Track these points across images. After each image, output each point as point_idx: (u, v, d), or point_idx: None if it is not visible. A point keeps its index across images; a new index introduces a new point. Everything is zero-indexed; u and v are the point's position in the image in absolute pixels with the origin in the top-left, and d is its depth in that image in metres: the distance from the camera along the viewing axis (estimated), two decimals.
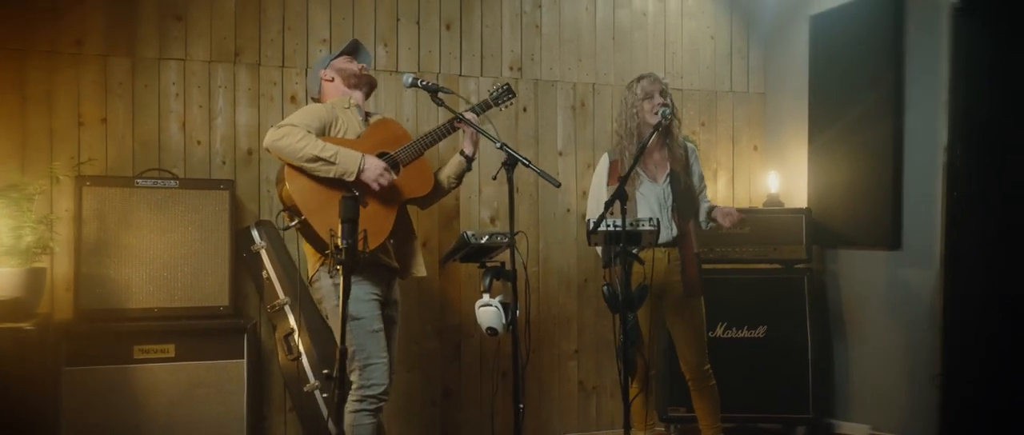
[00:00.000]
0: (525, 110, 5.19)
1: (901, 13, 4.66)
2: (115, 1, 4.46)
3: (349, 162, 3.39)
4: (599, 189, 4.19)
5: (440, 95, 3.52)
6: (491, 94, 3.94)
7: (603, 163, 4.24)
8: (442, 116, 4.97)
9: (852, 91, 4.93)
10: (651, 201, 4.05)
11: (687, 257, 4.06)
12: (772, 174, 5.38)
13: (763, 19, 5.66)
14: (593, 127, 5.34)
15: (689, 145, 4.25)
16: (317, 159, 3.35)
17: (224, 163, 4.62)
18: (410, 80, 3.55)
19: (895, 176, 4.67)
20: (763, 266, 5.06)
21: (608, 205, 3.50)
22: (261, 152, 4.68)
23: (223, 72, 4.64)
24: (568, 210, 5.25)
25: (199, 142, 4.59)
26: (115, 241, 4.15)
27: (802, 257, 4.99)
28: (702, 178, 4.25)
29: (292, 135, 3.35)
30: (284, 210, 3.46)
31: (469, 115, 3.68)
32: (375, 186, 3.44)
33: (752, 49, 5.70)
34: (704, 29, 5.61)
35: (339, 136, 3.56)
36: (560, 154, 5.27)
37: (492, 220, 5.12)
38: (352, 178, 3.40)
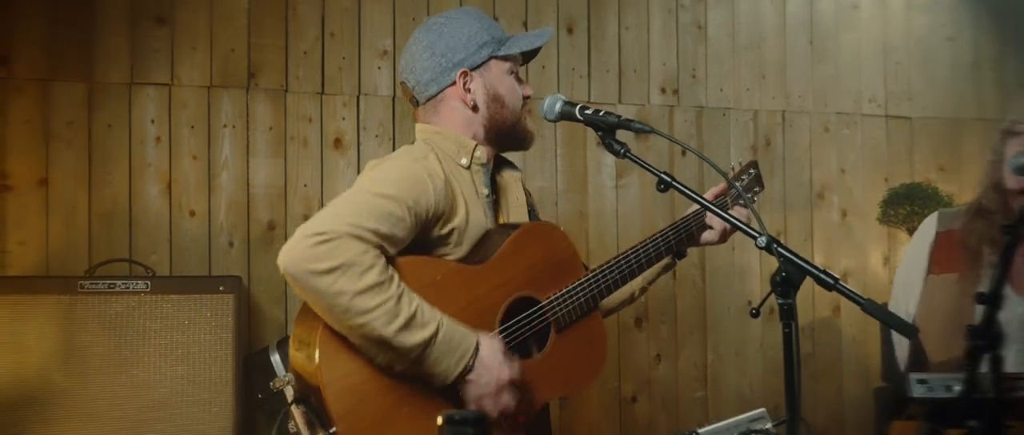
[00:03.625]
0: (684, 154, 3.45)
1: None
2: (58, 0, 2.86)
3: (448, 356, 1.63)
4: (908, 283, 2.32)
5: (617, 136, 1.78)
6: (739, 181, 2.17)
7: (925, 232, 2.35)
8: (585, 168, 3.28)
9: None
10: (1013, 329, 2.17)
11: None
12: None
13: None
14: (783, 175, 3.57)
15: None
16: (387, 346, 1.60)
17: (232, 245, 2.96)
18: (558, 107, 1.83)
19: None
20: None
21: (977, 354, 1.70)
22: (289, 226, 3.02)
23: (231, 103, 3.00)
24: (749, 302, 3.47)
25: (193, 213, 2.94)
26: (46, 385, 2.50)
27: None
28: None
29: (352, 271, 1.55)
30: (296, 403, 1.73)
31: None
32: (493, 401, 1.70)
33: (1009, 57, 3.87)
34: (939, 28, 3.81)
35: (447, 248, 1.78)
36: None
37: (638, 324, 3.36)
38: (448, 381, 1.65)
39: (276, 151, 3.03)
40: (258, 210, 3.00)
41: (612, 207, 3.36)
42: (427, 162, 1.76)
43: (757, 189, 2.22)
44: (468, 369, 1.63)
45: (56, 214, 2.83)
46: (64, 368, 2.52)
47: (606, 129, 1.78)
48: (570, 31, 3.35)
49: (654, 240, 1.96)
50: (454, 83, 1.84)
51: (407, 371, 1.62)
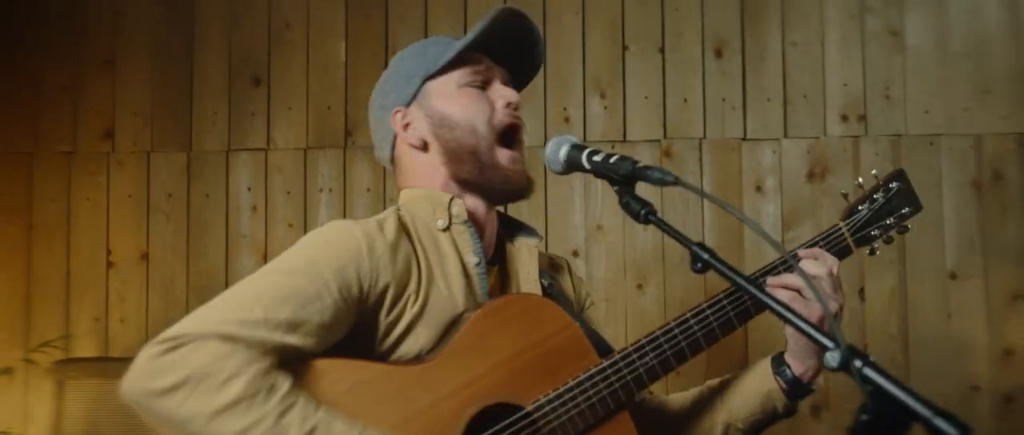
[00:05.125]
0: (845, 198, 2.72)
1: None
2: (161, 66, 2.79)
3: None
4: None
5: (636, 187, 1.20)
6: (870, 202, 1.50)
7: None
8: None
9: None
10: None
11: None
12: None
13: None
14: (1020, 217, 2.72)
15: None
16: None
17: None
18: (564, 154, 1.28)
19: None
20: None
21: None
22: None
23: (327, 164, 2.77)
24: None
25: None
26: None
27: None
28: None
29: (205, 385, 1.10)
30: None
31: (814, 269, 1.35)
32: None
33: None
34: None
35: (394, 338, 1.30)
36: (951, 277, 2.70)
37: (815, 414, 2.68)
38: None
39: (375, 213, 2.75)
40: None
41: None
42: (380, 225, 1.30)
43: (906, 211, 1.48)
44: None
45: (155, 290, 2.74)
46: None
47: (622, 181, 1.20)
48: (719, 54, 2.78)
49: (714, 302, 1.35)
50: (396, 132, 1.41)
51: None
